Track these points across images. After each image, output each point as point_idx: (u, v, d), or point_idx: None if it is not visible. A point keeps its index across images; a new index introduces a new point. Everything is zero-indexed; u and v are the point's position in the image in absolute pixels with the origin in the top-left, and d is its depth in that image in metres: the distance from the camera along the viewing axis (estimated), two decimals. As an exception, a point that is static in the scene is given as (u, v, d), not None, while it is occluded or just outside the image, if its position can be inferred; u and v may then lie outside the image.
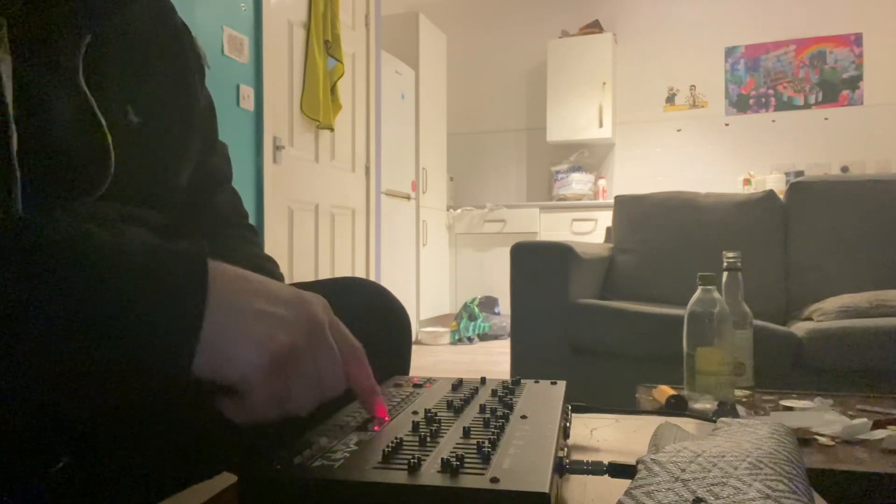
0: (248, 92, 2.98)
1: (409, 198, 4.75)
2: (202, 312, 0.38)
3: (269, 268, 0.75)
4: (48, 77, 0.52)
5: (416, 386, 0.63)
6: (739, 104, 5.34)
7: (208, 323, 0.38)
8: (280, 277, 0.75)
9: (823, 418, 1.15)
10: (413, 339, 5.25)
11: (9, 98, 0.46)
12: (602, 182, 5.51)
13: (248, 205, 2.95)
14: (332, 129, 3.58)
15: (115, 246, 0.38)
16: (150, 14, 0.66)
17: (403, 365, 0.84)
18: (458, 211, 5.48)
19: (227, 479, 0.50)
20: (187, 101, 0.69)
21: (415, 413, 0.52)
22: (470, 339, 4.74)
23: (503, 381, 0.65)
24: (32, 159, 0.49)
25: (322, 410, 0.51)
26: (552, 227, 5.18)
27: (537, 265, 2.24)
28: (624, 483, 0.46)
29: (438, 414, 0.51)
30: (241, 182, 2.92)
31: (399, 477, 0.38)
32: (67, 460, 0.46)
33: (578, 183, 5.48)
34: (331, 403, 0.51)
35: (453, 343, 4.71)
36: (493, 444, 0.43)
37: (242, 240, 0.78)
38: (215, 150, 0.78)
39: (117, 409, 0.43)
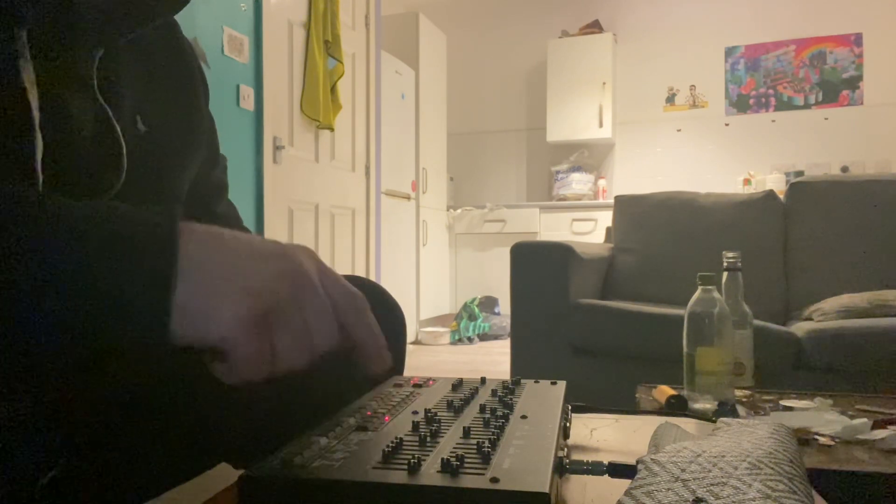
0: (248, 92, 2.98)
1: (409, 198, 4.75)
2: (172, 272, 0.37)
3: None
4: (67, 86, 0.53)
5: (416, 386, 0.63)
6: (739, 104, 5.34)
7: (181, 283, 0.37)
8: None
9: (823, 418, 1.15)
10: (413, 339, 5.25)
11: (34, 105, 0.47)
12: (602, 182, 5.51)
13: (248, 205, 2.96)
14: (332, 129, 3.58)
15: (82, 208, 0.38)
16: (158, 30, 0.68)
17: (398, 363, 0.85)
18: (458, 211, 5.48)
19: (227, 479, 0.50)
20: (191, 115, 0.71)
21: (415, 413, 0.52)
22: (470, 339, 4.74)
23: (503, 381, 0.65)
24: (53, 162, 0.50)
25: (321, 404, 0.51)
26: (552, 227, 5.18)
27: (537, 265, 2.24)
28: (624, 483, 0.46)
29: (438, 414, 0.51)
30: (241, 182, 2.92)
31: (399, 477, 0.38)
32: (54, 473, 0.46)
33: (578, 183, 5.48)
34: (332, 397, 0.51)
35: (453, 343, 4.71)
36: (493, 444, 0.43)
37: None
38: (217, 163, 0.80)
39: (112, 384, 0.43)
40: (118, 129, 0.57)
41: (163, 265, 0.37)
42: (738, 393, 1.34)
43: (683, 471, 0.43)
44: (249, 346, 0.39)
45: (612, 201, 2.93)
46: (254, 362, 0.40)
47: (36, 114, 0.47)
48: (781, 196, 2.66)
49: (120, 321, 0.36)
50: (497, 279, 5.17)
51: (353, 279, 0.86)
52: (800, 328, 2.04)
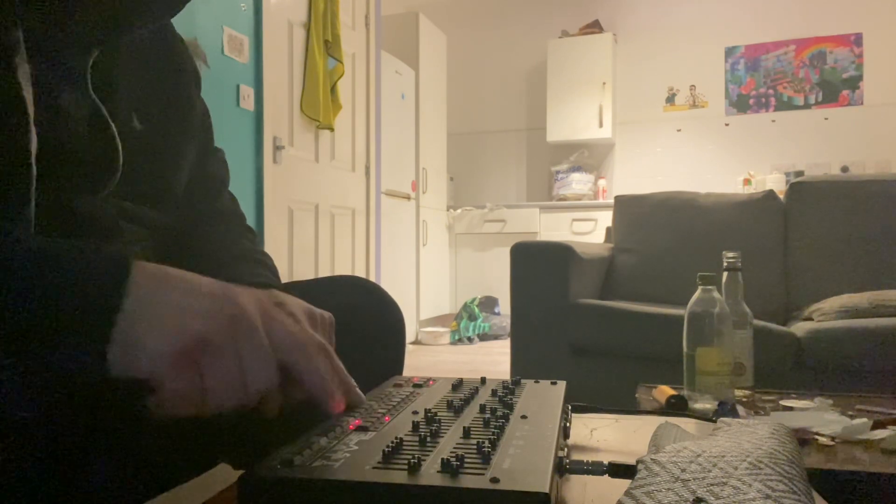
0: (248, 92, 2.98)
1: (409, 198, 4.75)
2: (118, 306, 0.39)
3: (263, 259, 0.75)
4: (62, 83, 0.54)
5: (416, 386, 0.63)
6: (739, 104, 5.34)
7: (124, 317, 0.39)
8: (274, 274, 0.75)
9: (823, 418, 1.15)
10: (413, 339, 5.24)
11: (29, 101, 0.48)
12: (602, 182, 5.51)
13: (248, 205, 2.96)
14: (332, 129, 3.58)
15: (40, 244, 0.41)
16: (152, 28, 0.69)
17: (397, 362, 0.85)
18: (458, 211, 5.48)
19: (227, 479, 0.50)
20: (185, 110, 0.72)
21: (415, 413, 0.52)
22: (470, 339, 4.74)
23: (503, 381, 0.65)
24: (49, 158, 0.50)
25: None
26: (552, 227, 5.18)
27: (537, 265, 2.24)
28: (624, 483, 0.46)
29: (438, 414, 0.51)
30: (241, 182, 2.92)
31: (399, 477, 0.38)
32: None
33: (578, 183, 5.48)
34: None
35: (453, 343, 4.71)
36: (493, 444, 0.43)
37: (241, 237, 0.79)
38: (212, 156, 0.80)
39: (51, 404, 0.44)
40: (113, 127, 0.58)
41: (105, 302, 0.39)
42: (738, 393, 1.34)
43: (683, 471, 0.43)
44: (175, 383, 0.41)
45: (612, 201, 2.94)
46: (180, 399, 0.41)
47: (31, 110, 0.48)
48: (781, 196, 2.66)
49: (64, 346, 0.39)
50: (497, 279, 5.17)
51: (350, 279, 0.86)
52: (800, 328, 2.04)
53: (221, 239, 0.75)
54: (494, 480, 0.37)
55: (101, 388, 0.42)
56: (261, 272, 0.70)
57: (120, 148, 0.58)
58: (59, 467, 0.47)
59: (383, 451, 0.41)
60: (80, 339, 0.39)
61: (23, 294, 0.38)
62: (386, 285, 0.91)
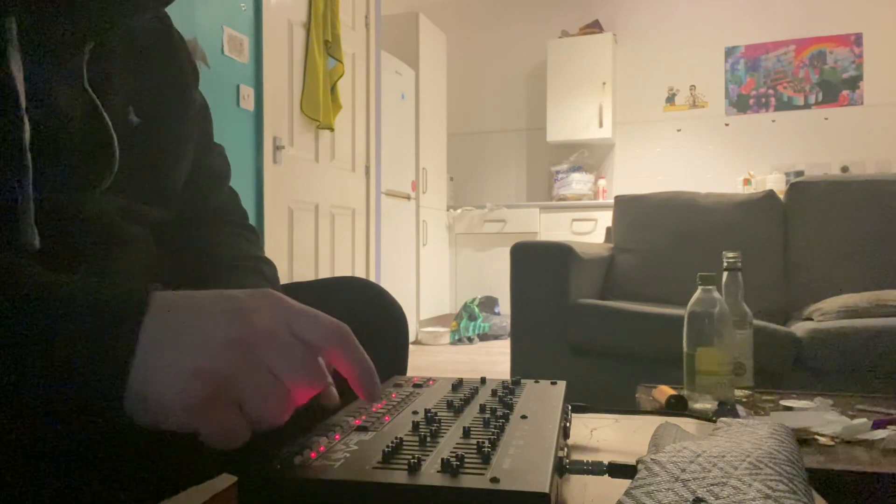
0: (248, 92, 2.98)
1: (409, 198, 4.75)
2: (129, 358, 0.38)
3: (259, 267, 0.74)
4: (56, 76, 0.53)
5: (416, 386, 0.63)
6: (739, 104, 5.34)
7: (136, 370, 0.38)
8: (273, 276, 0.75)
9: (823, 418, 1.15)
10: (413, 339, 5.24)
11: (21, 92, 0.47)
12: (602, 182, 5.51)
13: (248, 205, 2.95)
14: (332, 129, 3.58)
15: (48, 285, 0.39)
16: (150, 21, 0.69)
17: (401, 363, 0.85)
18: (458, 211, 5.48)
19: (227, 479, 0.49)
20: (183, 105, 0.71)
21: (415, 413, 0.52)
22: (470, 339, 4.74)
23: (503, 381, 0.65)
24: (43, 151, 0.50)
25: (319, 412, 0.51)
26: (552, 227, 5.18)
27: (537, 265, 2.24)
28: (624, 483, 0.46)
29: (438, 414, 0.51)
30: (241, 182, 2.92)
31: (399, 477, 0.38)
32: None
33: (578, 183, 5.48)
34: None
35: (453, 343, 4.71)
36: (493, 444, 0.43)
37: (239, 237, 0.78)
38: (211, 150, 0.79)
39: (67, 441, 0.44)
40: (108, 121, 0.57)
41: (120, 353, 0.38)
42: (738, 393, 1.34)
43: (683, 471, 0.43)
44: (210, 426, 0.39)
45: (612, 201, 2.93)
46: (224, 434, 0.39)
47: (22, 101, 0.47)
48: (781, 196, 2.65)
49: (78, 404, 0.37)
50: (497, 279, 5.17)
51: (353, 279, 0.86)
52: (800, 328, 2.03)
53: (218, 243, 0.74)
54: (494, 480, 0.37)
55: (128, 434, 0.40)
56: (257, 283, 0.69)
57: (116, 142, 0.58)
58: (57, 474, 0.47)
59: (383, 451, 0.41)
60: (93, 395, 0.37)
61: (20, 345, 0.37)
62: (386, 285, 0.91)
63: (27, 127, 0.48)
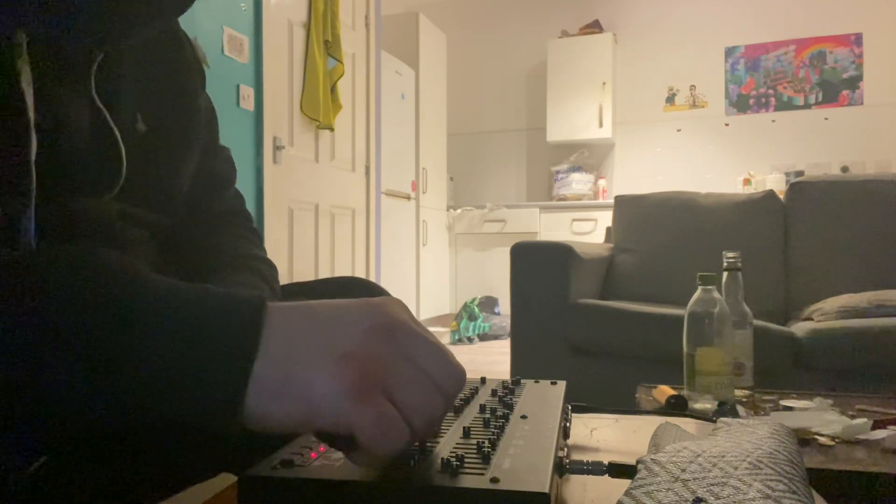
0: (248, 92, 2.98)
1: (409, 198, 4.75)
2: (249, 366, 0.34)
3: (257, 266, 0.74)
4: (64, 89, 0.54)
5: (416, 386, 0.63)
6: (739, 104, 5.34)
7: (261, 378, 0.34)
8: (272, 277, 0.75)
9: (823, 418, 1.15)
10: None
11: (30, 105, 0.47)
12: (602, 182, 5.51)
13: (249, 205, 2.93)
14: (332, 129, 3.58)
15: (165, 287, 0.36)
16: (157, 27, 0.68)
17: None
18: (458, 211, 5.48)
19: (227, 479, 0.50)
20: (189, 110, 0.71)
21: (415, 413, 0.52)
22: (470, 339, 4.74)
23: (503, 381, 0.65)
24: (50, 164, 0.50)
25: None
26: (552, 227, 5.18)
27: (537, 265, 2.24)
28: (624, 483, 0.46)
29: (438, 414, 0.51)
30: (242, 182, 2.90)
31: (399, 477, 0.38)
32: (46, 459, 0.46)
33: (578, 183, 5.48)
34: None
35: (453, 343, 4.71)
36: (493, 444, 0.43)
37: (240, 238, 0.78)
38: (217, 154, 0.79)
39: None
40: (116, 132, 0.57)
41: (243, 361, 0.34)
42: (738, 393, 1.34)
43: (683, 471, 0.43)
44: (367, 417, 0.35)
45: (612, 201, 2.94)
46: (382, 428, 0.35)
47: (31, 114, 0.47)
48: (781, 196, 2.66)
49: (195, 413, 0.34)
50: (497, 279, 5.17)
51: (355, 280, 0.86)
52: (800, 328, 2.03)
53: (220, 244, 0.74)
54: (494, 480, 0.37)
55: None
56: (253, 281, 0.69)
57: (123, 153, 0.58)
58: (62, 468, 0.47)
59: (383, 451, 0.41)
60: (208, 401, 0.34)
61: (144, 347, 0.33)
62: (386, 285, 0.90)
63: (34, 142, 0.48)
